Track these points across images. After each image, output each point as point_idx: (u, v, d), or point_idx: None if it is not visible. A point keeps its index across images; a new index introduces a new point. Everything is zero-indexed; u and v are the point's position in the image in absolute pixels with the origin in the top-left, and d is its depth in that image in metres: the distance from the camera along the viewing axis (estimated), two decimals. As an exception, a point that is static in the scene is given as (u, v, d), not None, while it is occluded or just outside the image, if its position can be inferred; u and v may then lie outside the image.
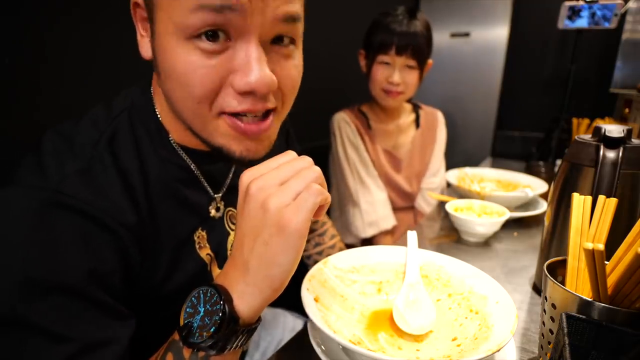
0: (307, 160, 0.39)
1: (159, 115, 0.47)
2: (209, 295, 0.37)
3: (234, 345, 0.38)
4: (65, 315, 0.35)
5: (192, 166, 0.49)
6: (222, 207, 0.54)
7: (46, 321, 0.34)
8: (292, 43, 0.42)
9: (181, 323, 0.38)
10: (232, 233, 0.55)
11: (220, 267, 0.53)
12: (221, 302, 0.36)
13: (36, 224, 0.36)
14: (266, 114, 0.42)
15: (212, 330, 0.35)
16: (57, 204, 0.37)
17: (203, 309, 0.37)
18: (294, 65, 0.43)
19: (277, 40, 0.40)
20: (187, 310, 0.38)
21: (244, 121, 0.41)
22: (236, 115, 0.40)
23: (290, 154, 0.40)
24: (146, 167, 0.45)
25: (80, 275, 0.36)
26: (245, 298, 0.37)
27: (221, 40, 0.37)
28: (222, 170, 0.54)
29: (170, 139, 0.47)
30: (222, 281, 0.39)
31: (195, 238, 0.50)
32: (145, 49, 0.43)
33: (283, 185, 0.36)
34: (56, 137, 0.42)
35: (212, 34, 0.37)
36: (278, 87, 0.41)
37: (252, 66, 0.37)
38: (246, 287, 0.37)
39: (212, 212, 0.52)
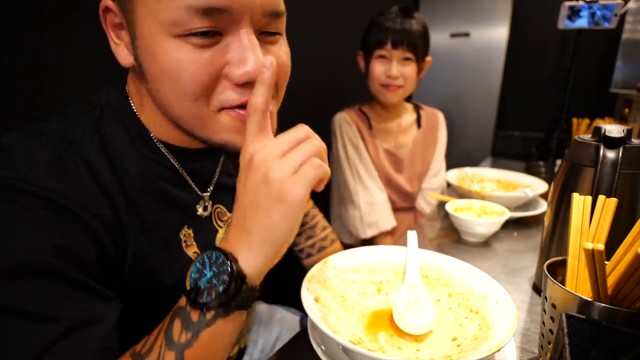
0: (306, 131, 0.39)
1: (137, 115, 0.47)
2: (214, 258, 0.37)
3: (243, 305, 0.38)
4: (45, 296, 0.35)
5: (177, 165, 0.49)
6: (209, 206, 0.54)
7: (27, 304, 0.34)
8: (278, 33, 0.43)
9: (188, 288, 0.38)
10: (220, 230, 0.55)
11: None
12: (228, 262, 0.36)
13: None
14: None
15: (221, 289, 0.36)
16: (21, 190, 0.36)
17: (210, 272, 0.37)
18: (283, 51, 0.44)
19: (264, 32, 0.41)
20: (193, 275, 0.38)
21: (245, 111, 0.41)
22: (237, 107, 0.41)
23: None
24: (121, 164, 0.44)
25: (49, 253, 0.36)
26: (250, 259, 0.37)
27: (211, 33, 0.37)
28: (208, 167, 0.54)
29: (152, 137, 0.47)
30: (224, 246, 0.39)
31: (182, 236, 0.49)
32: (124, 56, 0.42)
33: (284, 157, 0.36)
34: (23, 132, 0.41)
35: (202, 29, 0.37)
36: None
37: (248, 55, 0.38)
38: (249, 250, 0.37)
39: (200, 210, 0.52)
